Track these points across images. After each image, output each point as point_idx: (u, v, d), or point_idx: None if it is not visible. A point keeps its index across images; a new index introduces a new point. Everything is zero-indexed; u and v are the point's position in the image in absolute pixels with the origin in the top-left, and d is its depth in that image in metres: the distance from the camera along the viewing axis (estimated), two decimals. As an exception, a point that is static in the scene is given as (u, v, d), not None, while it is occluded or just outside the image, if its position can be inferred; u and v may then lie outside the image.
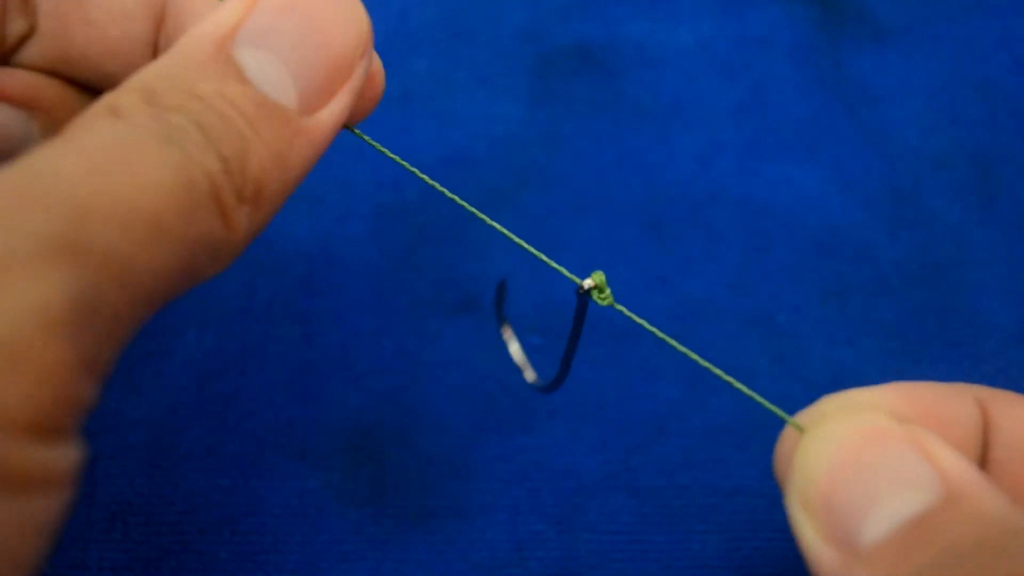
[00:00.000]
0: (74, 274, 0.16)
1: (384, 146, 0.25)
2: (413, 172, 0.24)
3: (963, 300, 0.35)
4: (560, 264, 0.36)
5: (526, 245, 0.24)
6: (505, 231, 0.24)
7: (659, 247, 0.36)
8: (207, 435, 0.32)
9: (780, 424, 0.33)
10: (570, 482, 0.32)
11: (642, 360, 0.34)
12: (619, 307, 0.25)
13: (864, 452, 0.19)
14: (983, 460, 0.22)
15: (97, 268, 0.16)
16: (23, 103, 0.24)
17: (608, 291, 0.25)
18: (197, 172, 0.18)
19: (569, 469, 0.32)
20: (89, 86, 0.26)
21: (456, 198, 0.24)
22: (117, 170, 0.17)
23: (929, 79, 0.40)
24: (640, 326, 0.25)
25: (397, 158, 0.24)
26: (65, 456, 0.17)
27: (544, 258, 0.24)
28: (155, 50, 0.25)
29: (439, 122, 0.39)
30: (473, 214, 0.25)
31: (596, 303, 0.25)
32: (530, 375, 0.30)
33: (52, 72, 0.25)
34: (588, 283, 0.25)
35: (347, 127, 0.24)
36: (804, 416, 0.23)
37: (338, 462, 0.32)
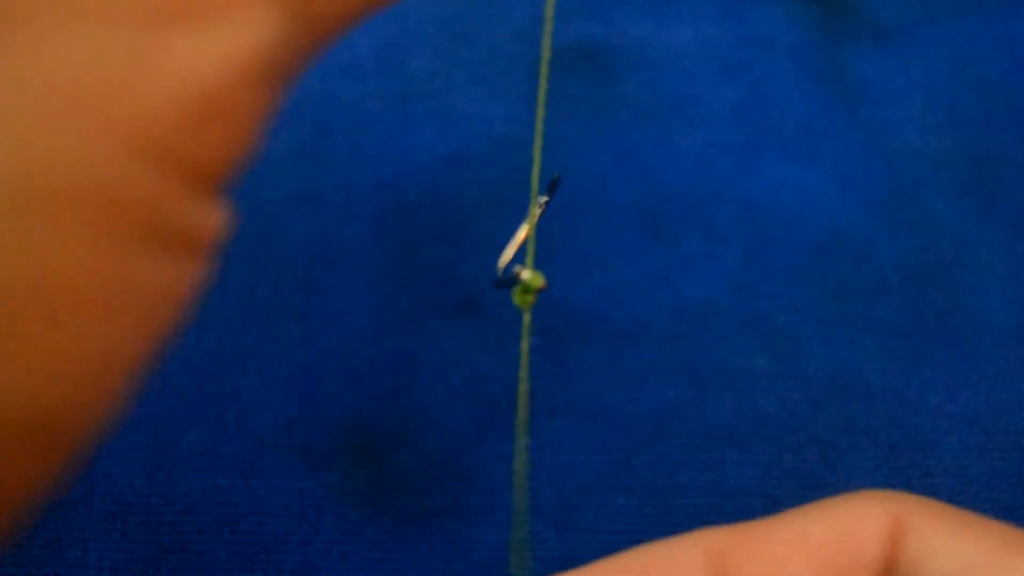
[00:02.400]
0: (275, 15, 0.15)
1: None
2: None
3: (963, 300, 0.35)
4: (559, 264, 0.36)
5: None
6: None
7: (659, 247, 0.36)
8: (207, 435, 0.32)
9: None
10: (570, 482, 0.32)
11: (642, 360, 0.34)
12: (526, 313, 0.23)
13: None
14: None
15: (297, 8, 0.15)
16: None
17: (529, 296, 0.23)
18: None
19: (569, 469, 0.32)
20: None
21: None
22: None
23: (929, 79, 0.40)
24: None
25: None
26: (222, 216, 0.16)
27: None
28: None
29: (439, 122, 0.39)
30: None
31: (511, 295, 0.23)
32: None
33: None
34: (527, 275, 0.23)
35: None
36: None
37: (338, 462, 0.32)
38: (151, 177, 0.14)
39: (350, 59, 0.40)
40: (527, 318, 0.23)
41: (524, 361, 0.23)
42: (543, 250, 0.37)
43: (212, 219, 0.16)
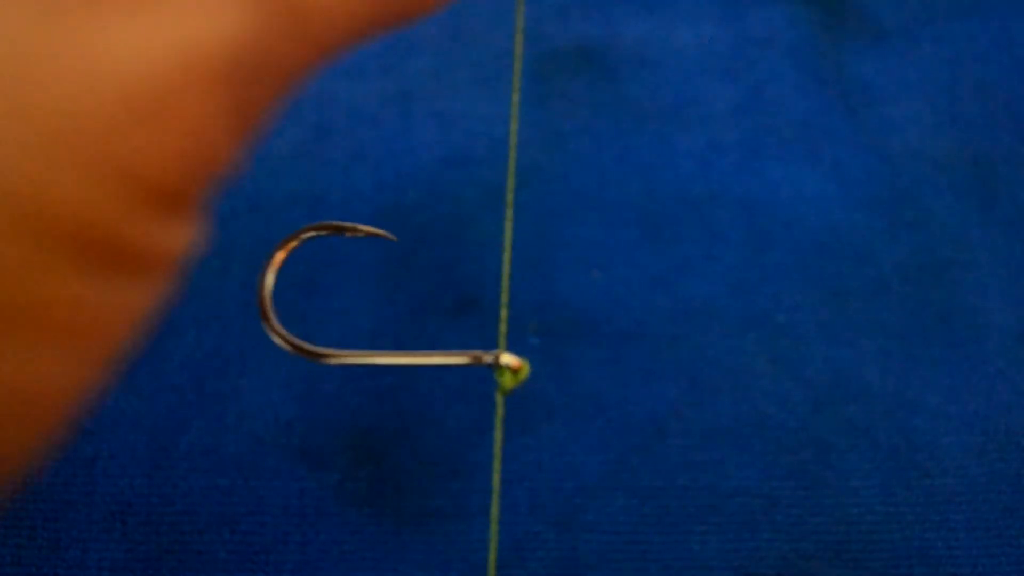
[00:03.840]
0: (250, 16, 0.13)
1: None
2: None
3: (963, 300, 0.35)
4: (559, 264, 0.36)
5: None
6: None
7: (659, 247, 0.36)
8: (207, 435, 0.32)
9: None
10: (570, 482, 0.32)
11: (642, 360, 0.34)
12: (499, 399, 0.23)
13: None
14: None
15: (278, 13, 0.14)
16: None
17: (511, 380, 0.23)
18: None
19: (569, 469, 0.32)
20: None
21: None
22: None
23: (929, 79, 0.40)
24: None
25: None
26: (187, 234, 0.14)
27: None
28: None
29: (439, 122, 0.39)
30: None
31: (495, 378, 0.23)
32: None
33: None
34: (508, 360, 0.23)
35: None
36: None
37: (338, 462, 0.32)
38: (82, 187, 0.12)
39: (350, 59, 0.40)
40: (501, 402, 0.23)
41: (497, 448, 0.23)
42: (543, 250, 0.37)
43: (170, 238, 0.14)
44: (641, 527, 0.31)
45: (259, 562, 0.30)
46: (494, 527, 0.22)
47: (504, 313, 0.24)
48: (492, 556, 0.21)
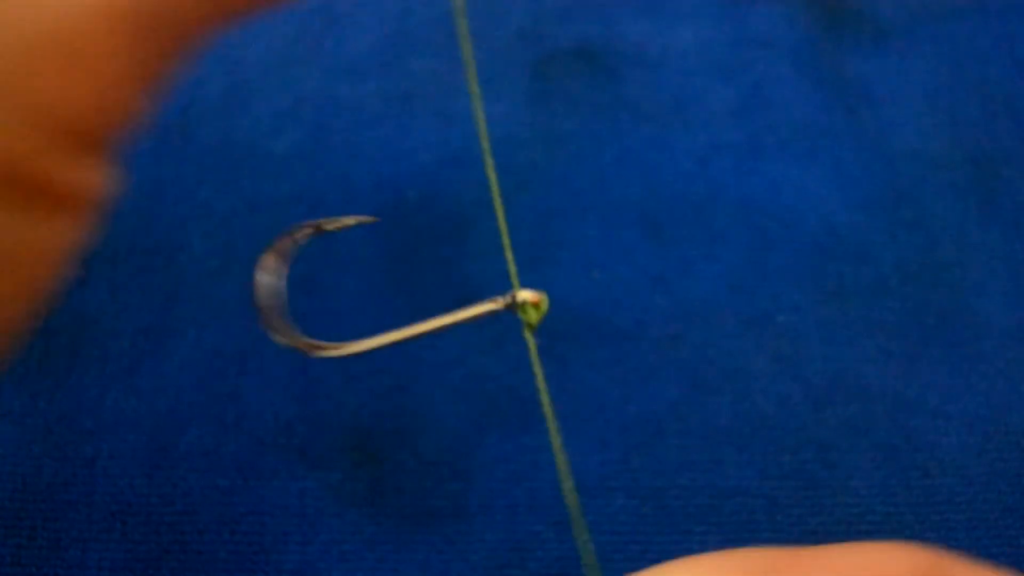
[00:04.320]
0: None
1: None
2: None
3: (963, 300, 0.35)
4: (559, 264, 0.36)
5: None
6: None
7: (659, 247, 0.36)
8: (207, 435, 0.32)
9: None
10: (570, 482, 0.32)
11: (642, 360, 0.34)
12: (529, 335, 0.23)
13: None
14: None
15: None
16: None
17: (535, 315, 0.23)
18: None
19: (569, 469, 0.32)
20: None
21: None
22: None
23: (929, 80, 0.40)
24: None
25: None
26: (100, 176, 0.15)
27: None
28: None
29: (439, 122, 0.39)
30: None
31: (519, 317, 0.23)
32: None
33: None
34: (526, 295, 0.23)
35: None
36: None
37: (338, 462, 0.32)
38: None
39: (350, 59, 0.40)
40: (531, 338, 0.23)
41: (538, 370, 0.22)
42: (544, 250, 0.37)
43: (83, 177, 0.15)
44: (641, 527, 0.31)
45: (259, 562, 0.30)
46: (561, 464, 0.21)
47: (507, 242, 0.23)
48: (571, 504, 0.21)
